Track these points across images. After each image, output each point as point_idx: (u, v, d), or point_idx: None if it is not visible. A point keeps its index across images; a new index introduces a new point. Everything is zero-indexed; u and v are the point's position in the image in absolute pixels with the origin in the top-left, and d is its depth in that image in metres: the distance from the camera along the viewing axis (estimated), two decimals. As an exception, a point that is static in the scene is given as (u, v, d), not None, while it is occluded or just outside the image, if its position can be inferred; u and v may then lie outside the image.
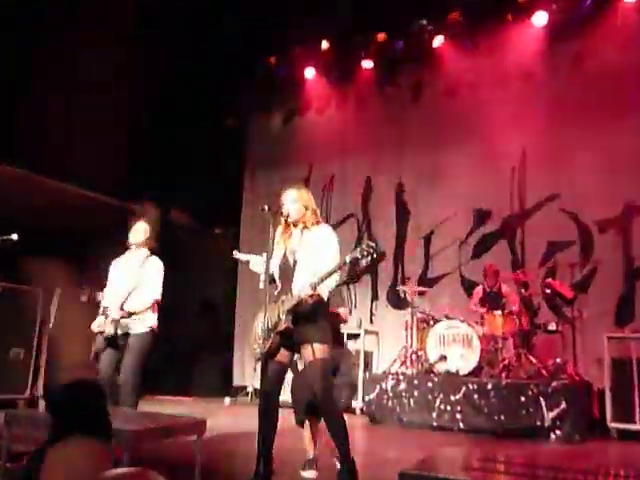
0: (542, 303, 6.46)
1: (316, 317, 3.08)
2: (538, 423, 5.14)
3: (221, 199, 8.52)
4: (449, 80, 7.38)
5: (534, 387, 5.29)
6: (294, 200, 3.23)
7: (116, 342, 3.97)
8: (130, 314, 4.07)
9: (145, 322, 4.10)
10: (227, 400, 7.35)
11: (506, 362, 5.79)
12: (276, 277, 3.21)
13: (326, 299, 3.08)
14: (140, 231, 4.25)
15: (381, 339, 7.36)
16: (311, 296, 3.00)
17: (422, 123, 7.54)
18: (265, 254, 3.16)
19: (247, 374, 7.97)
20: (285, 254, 3.22)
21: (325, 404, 3.02)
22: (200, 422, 2.98)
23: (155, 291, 4.19)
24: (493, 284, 6.33)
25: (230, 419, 5.90)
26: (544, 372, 5.65)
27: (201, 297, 8.58)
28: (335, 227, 6.95)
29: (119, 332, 3.97)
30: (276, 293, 3.17)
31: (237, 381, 8.21)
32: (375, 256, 2.86)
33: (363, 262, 2.93)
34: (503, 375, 5.69)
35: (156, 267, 4.22)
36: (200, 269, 8.35)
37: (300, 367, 3.47)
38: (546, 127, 6.73)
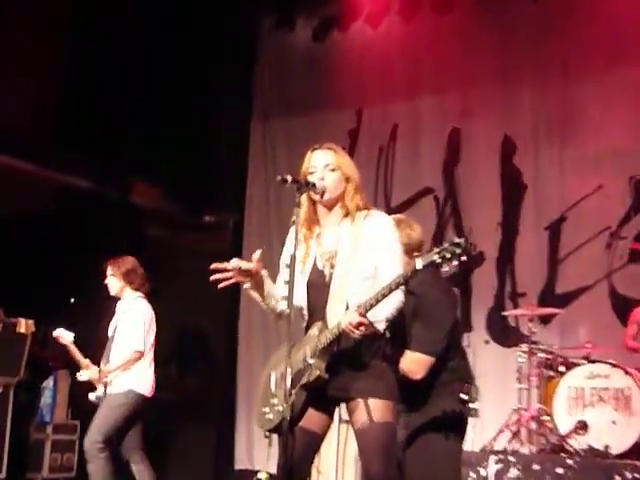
0: None
1: (370, 358, 3.20)
2: None
3: (214, 169, 8.67)
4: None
5: None
6: (330, 166, 3.34)
7: None
8: (109, 372, 5.46)
9: (122, 380, 5.35)
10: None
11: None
12: (302, 304, 3.33)
13: (384, 329, 3.19)
14: (111, 286, 5.81)
15: (478, 395, 7.31)
16: (359, 325, 3.05)
17: (546, 39, 7.59)
18: (285, 264, 3.34)
19: (257, 453, 8.08)
20: (315, 265, 3.34)
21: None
22: None
23: (133, 341, 5.41)
24: (668, 305, 6.44)
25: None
26: None
27: (182, 332, 8.73)
28: (399, 210, 6.75)
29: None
30: (304, 327, 3.32)
31: (241, 463, 8.39)
32: (464, 259, 2.97)
33: (445, 269, 3.04)
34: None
35: (138, 311, 5.53)
36: (181, 285, 8.45)
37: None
38: None
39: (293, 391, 3.14)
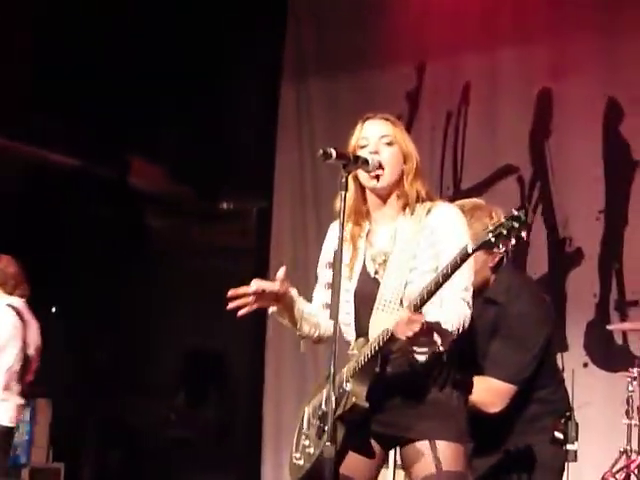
0: None
1: (433, 386, 3.28)
2: None
3: (233, 144, 8.72)
4: None
5: None
6: (386, 138, 3.41)
7: None
8: None
9: None
10: None
11: None
12: (348, 320, 3.40)
13: (446, 347, 3.24)
14: None
15: (577, 434, 7.21)
16: (411, 322, 3.07)
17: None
18: (325, 266, 3.50)
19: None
20: (365, 270, 3.42)
21: None
22: None
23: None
24: None
25: None
26: None
27: (193, 352, 8.88)
28: (472, 194, 6.67)
29: None
30: (350, 351, 3.37)
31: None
32: (524, 234, 3.06)
33: (501, 249, 3.10)
34: None
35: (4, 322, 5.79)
36: (192, 292, 8.54)
37: None
38: None
39: (326, 427, 3.15)
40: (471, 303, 3.32)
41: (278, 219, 8.96)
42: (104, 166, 8.36)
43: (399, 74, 8.49)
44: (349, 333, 3.41)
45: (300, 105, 9.05)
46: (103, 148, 8.25)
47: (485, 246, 3.05)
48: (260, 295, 3.31)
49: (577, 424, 5.30)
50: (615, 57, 7.73)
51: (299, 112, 9.05)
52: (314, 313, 3.47)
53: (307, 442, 3.34)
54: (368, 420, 3.25)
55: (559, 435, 4.36)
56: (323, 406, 3.25)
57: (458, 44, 8.25)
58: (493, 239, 3.00)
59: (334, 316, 3.13)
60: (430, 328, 3.12)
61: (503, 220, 3.03)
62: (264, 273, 7.90)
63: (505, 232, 3.00)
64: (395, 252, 3.36)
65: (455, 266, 3.08)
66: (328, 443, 3.06)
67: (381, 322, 3.24)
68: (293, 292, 3.40)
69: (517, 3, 8.13)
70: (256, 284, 3.30)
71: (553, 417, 4.00)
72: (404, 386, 3.25)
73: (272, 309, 3.42)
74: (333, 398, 3.08)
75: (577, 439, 5.01)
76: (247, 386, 8.78)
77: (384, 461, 3.45)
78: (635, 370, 6.42)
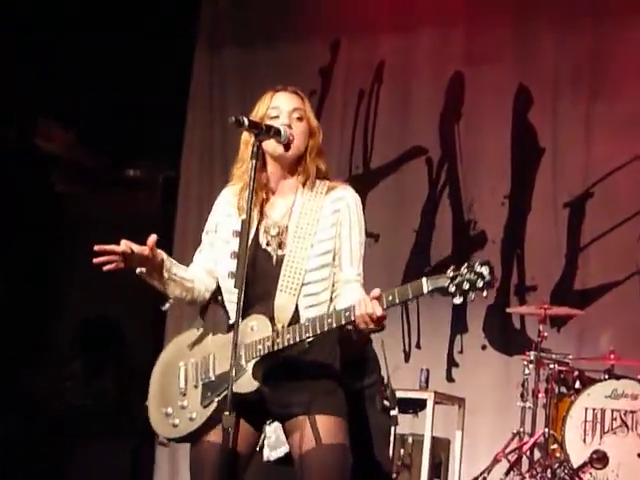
0: None
1: (317, 356, 3.27)
2: None
3: (142, 109, 8.54)
4: None
5: None
6: (297, 112, 3.39)
7: None
8: None
9: None
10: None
11: None
12: (229, 291, 3.32)
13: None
14: None
15: (470, 414, 7.30)
16: (381, 320, 3.07)
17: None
18: (214, 231, 3.41)
19: (183, 478, 8.03)
20: (257, 240, 3.37)
21: None
22: None
23: None
24: None
25: None
26: None
27: (93, 320, 8.71)
28: (381, 174, 6.64)
29: None
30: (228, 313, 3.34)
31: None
32: (485, 295, 2.99)
33: (457, 301, 2.99)
34: None
35: None
36: (92, 259, 8.33)
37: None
38: None
39: (216, 399, 3.19)
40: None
41: (185, 188, 8.85)
42: (9, 128, 8.18)
43: (314, 49, 8.45)
44: (231, 301, 3.30)
45: (213, 75, 8.92)
46: (9, 110, 8.06)
47: (441, 292, 3.01)
48: (128, 255, 3.22)
49: (393, 391, 5.32)
50: (528, 46, 7.80)
51: (211, 82, 8.92)
52: (189, 278, 3.40)
53: (185, 402, 3.27)
54: (261, 400, 3.23)
55: (386, 403, 4.45)
56: (212, 375, 3.23)
57: (374, 22, 8.24)
58: (452, 288, 2.97)
59: (239, 285, 3.09)
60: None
61: (466, 271, 2.98)
62: (169, 242, 7.85)
63: (467, 287, 2.95)
64: (291, 226, 3.34)
65: (407, 300, 3.10)
66: (227, 413, 3.03)
67: (284, 307, 3.24)
68: (164, 256, 3.33)
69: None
70: (125, 244, 3.23)
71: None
72: (291, 364, 3.23)
73: (139, 269, 3.31)
74: (233, 373, 3.05)
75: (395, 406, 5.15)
76: (145, 354, 8.70)
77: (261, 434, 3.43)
78: (531, 354, 6.54)
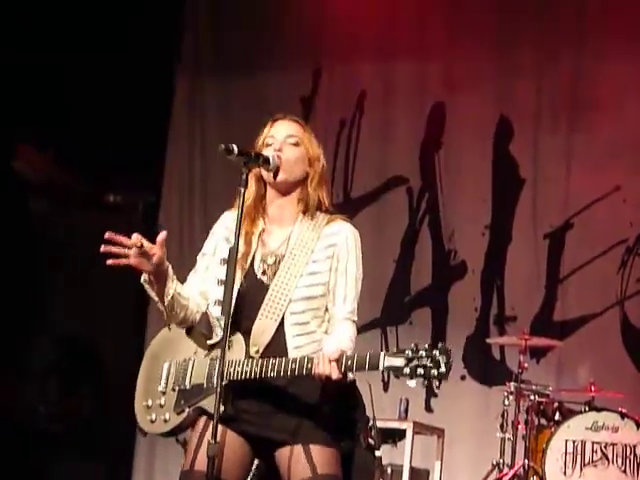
0: None
1: (309, 387, 3.23)
2: None
3: (124, 134, 8.48)
4: None
5: None
6: (292, 138, 3.39)
7: None
8: None
9: None
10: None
11: None
12: (220, 316, 3.30)
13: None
14: None
15: (449, 445, 7.30)
16: (338, 381, 3.11)
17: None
18: (208, 258, 3.44)
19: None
20: (252, 269, 3.37)
21: None
22: None
23: None
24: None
25: None
26: None
27: (71, 340, 8.71)
28: (362, 204, 6.68)
29: None
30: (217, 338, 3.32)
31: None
32: (437, 385, 2.98)
33: (411, 383, 3.00)
34: None
35: None
36: (74, 282, 8.37)
37: None
38: None
39: (188, 409, 3.26)
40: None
41: (165, 215, 8.79)
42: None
43: (295, 78, 8.47)
44: (219, 325, 3.30)
45: (194, 100, 8.91)
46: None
47: (395, 372, 3.01)
48: (137, 251, 3.17)
49: (378, 432, 5.47)
50: (508, 77, 7.86)
51: (192, 108, 8.91)
52: (185, 296, 3.37)
53: (163, 402, 3.31)
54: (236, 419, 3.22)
55: (371, 442, 4.42)
56: (187, 383, 3.25)
57: (355, 52, 8.27)
58: (407, 370, 2.97)
59: (226, 312, 3.11)
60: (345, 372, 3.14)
61: (424, 356, 2.98)
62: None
63: (421, 371, 2.96)
64: (287, 256, 3.34)
65: (362, 369, 3.08)
66: (212, 441, 3.03)
67: (264, 331, 3.25)
68: (169, 267, 3.30)
69: (415, 16, 8.19)
70: (136, 237, 3.19)
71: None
72: (282, 391, 3.24)
73: (144, 276, 3.28)
74: (217, 396, 3.05)
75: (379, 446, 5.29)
76: (122, 377, 8.64)
77: (252, 462, 3.40)
78: (511, 385, 6.52)
